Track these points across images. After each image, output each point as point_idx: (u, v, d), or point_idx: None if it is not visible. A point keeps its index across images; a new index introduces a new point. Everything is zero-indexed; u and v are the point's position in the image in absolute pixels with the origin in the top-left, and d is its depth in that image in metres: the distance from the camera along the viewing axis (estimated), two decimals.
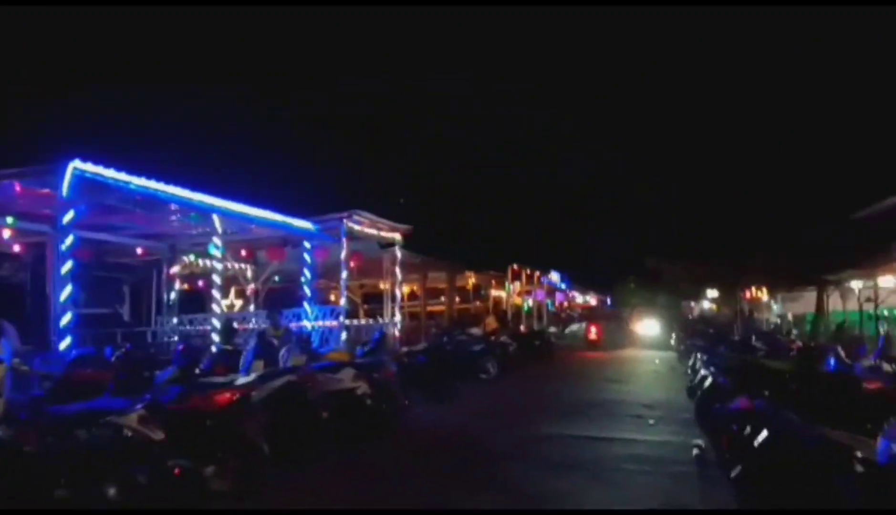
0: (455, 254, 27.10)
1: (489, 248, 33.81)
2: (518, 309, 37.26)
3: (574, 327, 41.05)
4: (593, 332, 36.12)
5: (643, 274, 44.55)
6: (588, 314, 50.46)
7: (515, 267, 35.16)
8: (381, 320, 20.57)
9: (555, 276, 45.97)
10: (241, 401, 8.35)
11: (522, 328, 34.61)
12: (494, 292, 36.59)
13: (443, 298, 29.89)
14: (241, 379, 9.24)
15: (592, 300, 62.52)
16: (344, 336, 16.96)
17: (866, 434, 6.11)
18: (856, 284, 23.96)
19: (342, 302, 17.73)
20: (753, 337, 13.91)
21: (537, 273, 40.36)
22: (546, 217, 39.98)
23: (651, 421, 12.26)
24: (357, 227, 18.14)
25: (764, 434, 6.49)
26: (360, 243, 19.65)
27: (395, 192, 25.51)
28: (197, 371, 10.08)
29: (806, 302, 29.98)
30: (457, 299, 36.84)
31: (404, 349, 17.58)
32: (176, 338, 16.77)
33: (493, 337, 23.77)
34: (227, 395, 8.32)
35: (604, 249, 42.75)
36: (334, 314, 17.44)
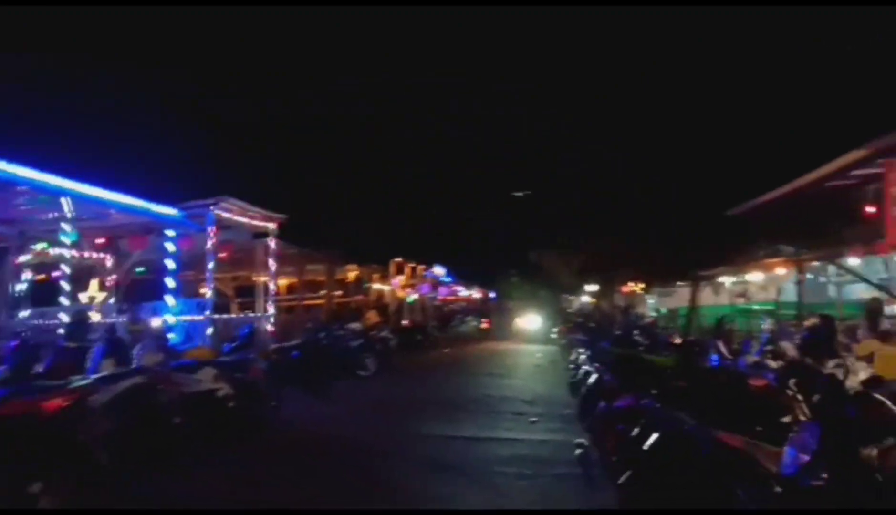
0: (335, 247, 26.15)
1: (371, 241, 33.01)
2: (401, 303, 36.60)
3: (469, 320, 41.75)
4: (485, 324, 36.84)
5: (526, 268, 44.85)
6: (479, 308, 50.76)
7: (399, 260, 34.52)
8: (252, 314, 19.41)
9: (439, 270, 45.64)
10: (74, 406, 7.29)
11: (405, 322, 34.12)
12: (377, 286, 35.79)
13: (323, 292, 28.86)
14: (79, 382, 8.11)
15: (477, 294, 62.71)
16: (210, 331, 15.78)
17: (760, 437, 5.77)
18: (727, 280, 24.64)
19: (208, 294, 16.49)
20: (636, 332, 13.76)
21: (421, 266, 39.89)
22: (430, 210, 39.51)
23: (533, 419, 11.85)
24: (226, 215, 16.95)
25: (654, 436, 6.06)
26: (231, 232, 18.45)
27: (271, 181, 24.27)
28: (36, 371, 8.93)
29: (679, 296, 30.74)
30: (339, 293, 35.90)
31: (276, 345, 16.58)
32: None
33: (373, 332, 23.05)
34: (59, 400, 7.24)
35: (488, 243, 42.70)
36: (200, 308, 16.22)
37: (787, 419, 6.82)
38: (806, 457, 4.18)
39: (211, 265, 16.58)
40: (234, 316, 19.35)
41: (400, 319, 34.22)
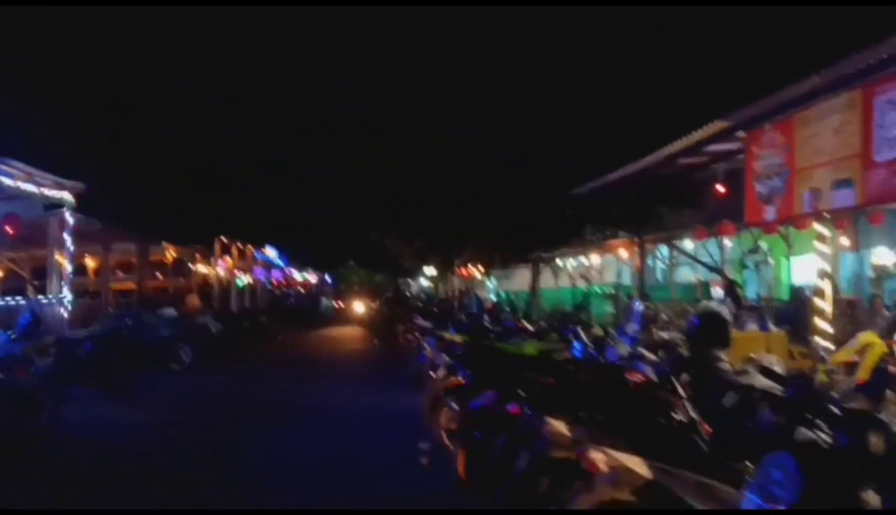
0: (149, 224, 23.36)
1: (193, 218, 30.08)
2: (227, 287, 33.95)
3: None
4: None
5: (364, 250, 43.19)
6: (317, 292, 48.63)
7: (224, 240, 31.88)
8: (42, 299, 16.61)
9: (271, 252, 43.16)
10: None
11: (234, 308, 31.66)
12: (200, 268, 32.91)
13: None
14: None
15: (312, 277, 60.49)
16: None
17: (644, 445, 4.55)
18: (568, 262, 24.26)
19: None
20: (486, 318, 12.52)
21: (250, 247, 37.32)
22: (260, 185, 36.84)
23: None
24: (7, 181, 14.17)
25: (524, 457, 4.70)
26: (18, 204, 15.62)
27: (68, 140, 21.11)
28: None
29: (519, 279, 30.29)
30: (160, 276, 32.76)
31: (66, 336, 14.04)
32: None
33: (192, 319, 20.71)
34: None
35: (324, 224, 40.59)
36: None
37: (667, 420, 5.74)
38: (779, 506, 2.84)
39: None
40: (13, 300, 16.43)
41: (226, 305, 31.67)
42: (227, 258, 33.97)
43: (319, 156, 36.74)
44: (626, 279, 23.87)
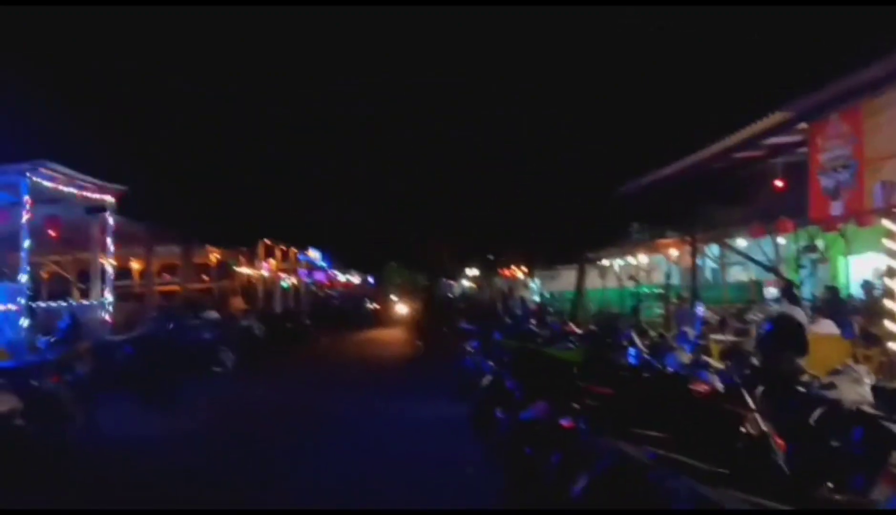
0: (193, 226, 23.32)
1: (236, 221, 30.08)
2: (271, 288, 33.96)
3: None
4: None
5: (406, 251, 42.96)
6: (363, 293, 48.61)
7: (268, 242, 31.89)
8: (84, 302, 16.58)
9: (314, 254, 43.21)
10: None
11: (277, 310, 31.61)
12: (244, 270, 32.95)
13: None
14: None
15: (355, 279, 60.54)
16: (26, 323, 12.98)
17: (731, 474, 4.07)
18: (615, 262, 23.61)
19: (24, 278, 13.61)
20: (532, 320, 12.03)
21: (293, 249, 37.33)
22: (304, 188, 36.80)
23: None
24: (48, 184, 14.11)
25: (583, 480, 4.24)
26: (59, 207, 15.57)
27: (106, 146, 21.15)
28: None
29: (564, 279, 29.67)
30: (205, 278, 32.85)
31: (106, 340, 13.92)
32: None
33: (235, 322, 20.62)
34: None
35: (366, 226, 40.44)
36: (11, 295, 13.32)
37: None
38: None
39: (27, 243, 13.72)
40: (55, 304, 16.40)
41: (270, 306, 31.65)
42: (271, 260, 33.99)
43: (361, 158, 36.63)
44: (675, 279, 23.15)
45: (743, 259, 21.31)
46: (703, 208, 18.54)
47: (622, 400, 5.75)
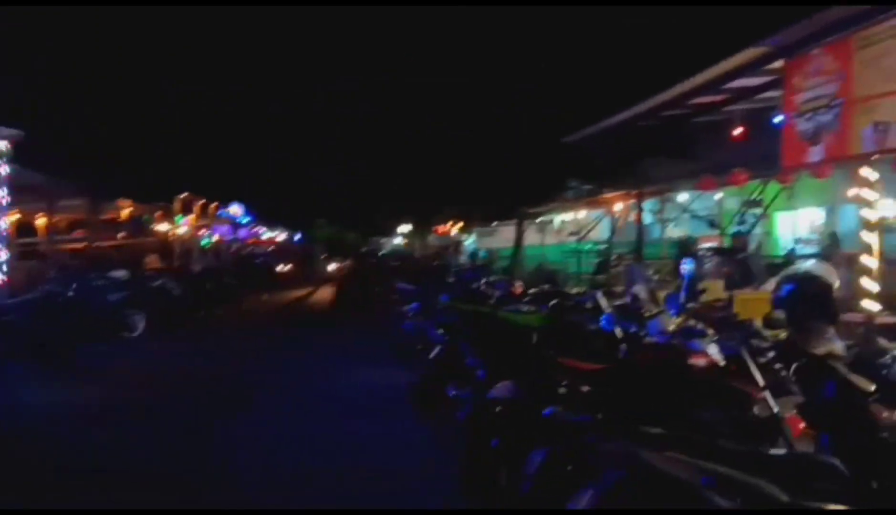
0: (102, 178, 21.38)
1: (151, 172, 28.07)
2: (190, 246, 32.03)
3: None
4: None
5: (334, 208, 41.36)
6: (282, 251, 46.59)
7: (185, 196, 29.91)
8: None
9: (236, 209, 41.26)
10: None
11: (196, 269, 29.80)
12: (160, 226, 30.94)
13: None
14: None
15: (281, 236, 58.60)
16: None
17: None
18: (555, 218, 22.70)
19: None
20: (483, 280, 10.88)
21: (214, 204, 35.38)
22: (224, 140, 34.70)
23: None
24: None
25: (588, 494, 3.15)
26: None
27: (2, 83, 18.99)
28: None
29: (501, 236, 28.73)
30: (120, 235, 30.72)
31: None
32: None
33: (150, 281, 18.96)
34: None
35: (292, 179, 38.66)
36: None
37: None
38: None
39: None
40: None
41: (188, 265, 29.79)
42: (190, 216, 32.03)
43: (287, 108, 34.65)
44: (602, 235, 22.42)
45: (681, 214, 20.76)
46: (648, 161, 17.72)
47: (611, 381, 4.68)
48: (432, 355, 6.65)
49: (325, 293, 28.95)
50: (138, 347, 13.88)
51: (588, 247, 20.42)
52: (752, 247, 17.01)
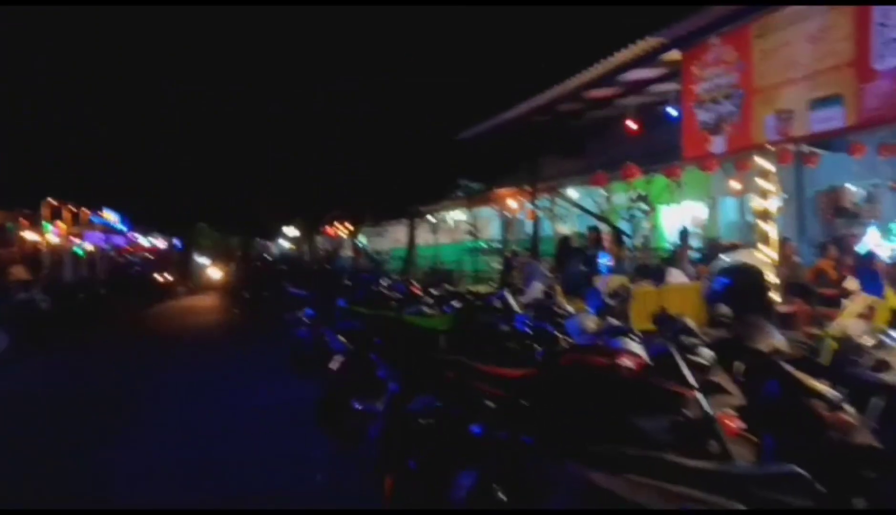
0: None
1: (13, 176, 25.97)
2: (60, 255, 29.96)
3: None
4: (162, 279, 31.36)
5: (215, 211, 39.61)
6: (161, 260, 44.25)
7: (53, 201, 27.93)
8: None
9: (111, 215, 39.03)
10: None
11: (68, 280, 27.84)
12: (27, 234, 28.79)
13: None
14: None
15: (159, 242, 56.00)
16: None
17: None
18: (449, 216, 22.41)
19: None
20: (386, 282, 10.30)
21: (85, 210, 33.28)
22: (94, 141, 32.49)
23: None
24: None
25: None
26: None
27: None
28: None
29: (391, 236, 28.27)
30: None
31: None
32: None
33: (14, 295, 17.51)
34: None
35: (168, 183, 36.74)
36: None
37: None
38: None
39: None
40: None
41: (59, 275, 27.83)
42: (59, 223, 29.97)
43: (159, 105, 32.82)
44: (495, 232, 22.37)
45: (570, 211, 20.90)
46: (542, 159, 17.63)
47: (536, 387, 4.27)
48: (334, 365, 6.07)
49: (209, 301, 27.67)
50: (3, 368, 12.59)
51: (483, 244, 20.23)
52: (635, 241, 17.26)
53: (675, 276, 12.48)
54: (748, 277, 4.15)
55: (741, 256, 4.81)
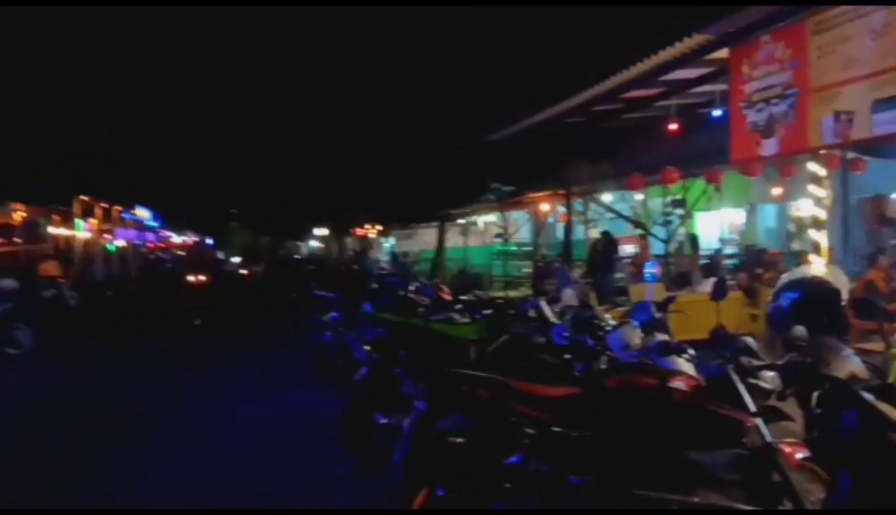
0: None
1: (47, 173, 26.12)
2: (91, 252, 30.09)
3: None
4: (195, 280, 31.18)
5: (247, 211, 39.69)
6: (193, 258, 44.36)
7: (86, 198, 28.07)
8: None
9: (143, 213, 39.23)
10: None
11: (99, 276, 27.90)
12: (59, 230, 28.95)
13: None
14: None
15: (192, 240, 56.38)
16: None
17: None
18: (479, 219, 22.00)
19: None
20: (413, 287, 9.90)
21: (117, 207, 33.43)
22: (129, 139, 32.67)
23: None
24: None
25: None
26: None
27: None
28: None
29: (420, 238, 27.90)
30: (16, 240, 28.53)
31: None
32: None
33: (42, 291, 17.43)
34: None
35: (203, 182, 36.85)
36: None
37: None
38: None
39: None
40: None
41: (90, 272, 27.93)
42: (91, 220, 30.10)
43: (199, 107, 32.88)
44: (524, 236, 21.92)
45: (602, 215, 20.39)
46: (573, 161, 17.17)
47: (579, 410, 3.85)
48: (359, 377, 5.70)
49: (237, 301, 27.49)
50: (20, 366, 12.42)
51: (514, 248, 19.79)
52: (670, 248, 16.72)
53: (708, 285, 12.01)
54: (819, 292, 3.71)
55: (811, 270, 4.30)
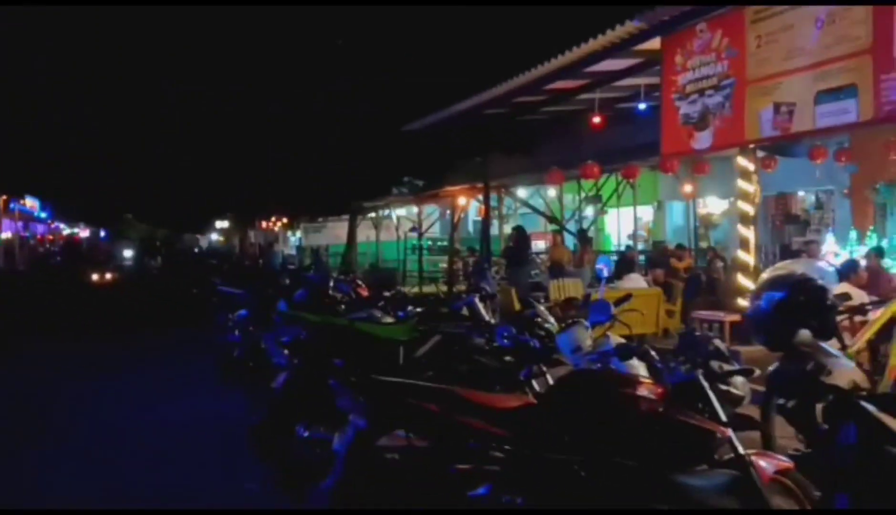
0: None
1: None
2: None
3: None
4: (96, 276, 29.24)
5: (143, 202, 37.85)
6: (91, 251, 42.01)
7: None
8: None
9: (31, 202, 36.93)
10: None
11: None
12: None
13: None
14: None
15: (83, 232, 53.81)
16: None
17: None
18: (392, 212, 21.40)
19: None
20: (331, 282, 9.22)
21: (3, 197, 31.30)
22: (17, 123, 30.51)
23: None
24: None
25: None
26: None
27: None
28: None
29: (331, 232, 27.09)
30: None
31: None
32: None
33: None
34: None
35: (96, 173, 34.88)
36: None
37: None
38: None
39: None
40: None
41: None
42: None
43: (90, 89, 31.01)
44: (437, 231, 21.59)
45: (515, 210, 20.24)
46: (492, 154, 16.84)
47: (538, 424, 3.36)
48: (277, 383, 5.06)
49: (132, 296, 26.00)
50: None
51: (428, 242, 19.33)
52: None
53: (634, 281, 11.86)
54: (807, 290, 3.34)
55: (798, 266, 3.97)
